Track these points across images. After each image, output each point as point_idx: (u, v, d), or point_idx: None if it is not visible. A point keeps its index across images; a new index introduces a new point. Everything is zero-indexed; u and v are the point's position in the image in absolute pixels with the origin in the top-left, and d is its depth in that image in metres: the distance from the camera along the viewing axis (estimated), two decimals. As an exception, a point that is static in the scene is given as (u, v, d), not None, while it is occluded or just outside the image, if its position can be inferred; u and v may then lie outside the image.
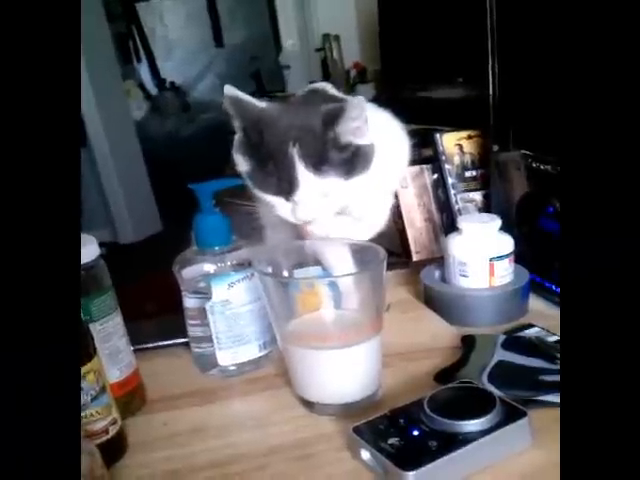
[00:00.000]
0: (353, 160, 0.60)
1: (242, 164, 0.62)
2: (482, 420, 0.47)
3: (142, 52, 4.06)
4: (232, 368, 0.63)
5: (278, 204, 0.61)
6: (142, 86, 4.05)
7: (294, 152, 0.58)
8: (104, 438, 0.49)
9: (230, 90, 0.60)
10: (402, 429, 0.48)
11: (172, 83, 4.09)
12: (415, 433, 0.47)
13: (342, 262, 0.61)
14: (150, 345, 0.69)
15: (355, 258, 0.60)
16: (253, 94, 0.64)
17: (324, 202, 0.60)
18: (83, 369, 0.46)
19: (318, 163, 0.58)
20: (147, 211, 3.26)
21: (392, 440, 0.47)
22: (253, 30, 3.95)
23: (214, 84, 3.95)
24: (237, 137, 0.62)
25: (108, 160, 3.08)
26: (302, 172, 0.58)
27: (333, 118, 0.58)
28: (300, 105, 0.63)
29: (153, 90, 4.08)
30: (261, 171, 0.60)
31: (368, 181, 0.62)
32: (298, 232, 0.67)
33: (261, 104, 0.61)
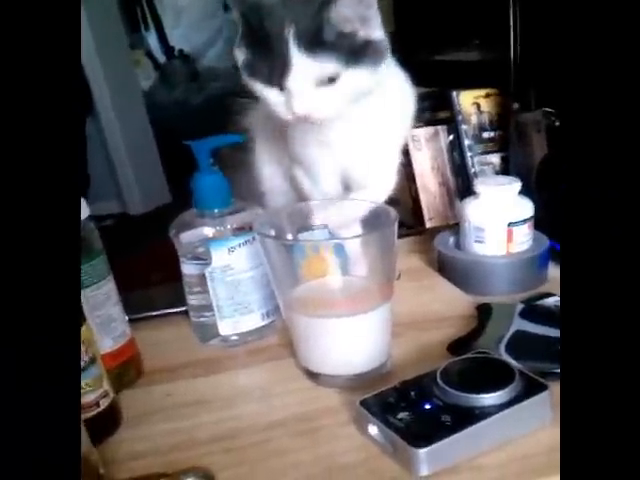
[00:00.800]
0: (359, 51, 0.56)
1: (240, 55, 0.59)
2: (500, 393, 0.44)
3: (150, 20, 3.99)
4: (234, 338, 0.61)
5: (272, 98, 0.58)
6: (150, 55, 3.99)
7: (289, 33, 0.54)
8: (95, 411, 0.47)
9: None
10: (413, 403, 0.45)
11: (181, 51, 4.03)
12: (427, 407, 0.45)
13: (350, 224, 0.58)
14: (148, 314, 0.66)
15: (364, 219, 0.56)
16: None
17: (321, 93, 0.56)
18: (70, 338, 0.43)
19: (312, 44, 0.55)
20: (156, 182, 3.24)
21: (402, 414, 0.44)
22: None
23: (224, 51, 3.87)
24: (239, 31, 0.59)
25: (116, 130, 3.05)
26: (295, 53, 0.54)
27: (330, 1, 0.54)
28: None
29: (161, 58, 4.02)
30: (256, 57, 0.57)
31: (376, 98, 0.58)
32: (300, 197, 0.63)
33: None
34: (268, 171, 0.73)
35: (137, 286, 0.69)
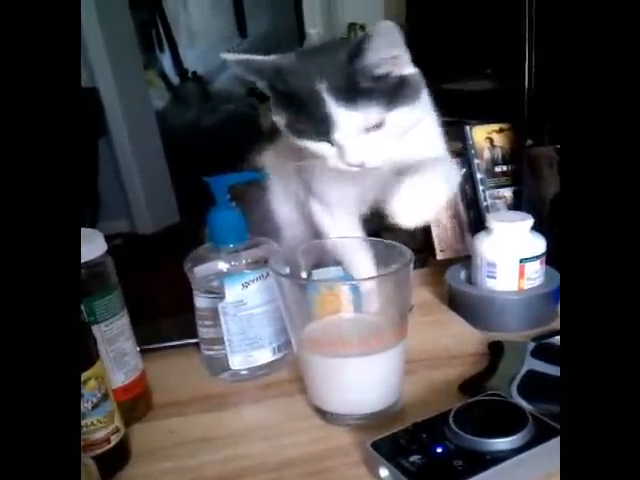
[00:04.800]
0: (397, 90, 0.56)
1: (280, 120, 0.59)
2: (513, 438, 0.44)
3: (165, 41, 4.04)
4: (244, 372, 0.60)
5: (324, 152, 0.57)
6: (164, 76, 4.03)
7: (322, 88, 0.54)
8: (105, 448, 0.46)
9: (231, 56, 0.57)
10: (424, 445, 0.45)
11: (194, 73, 4.07)
12: (439, 450, 0.44)
13: (365, 263, 0.57)
14: (158, 345, 0.66)
15: (379, 258, 0.56)
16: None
17: (371, 139, 0.56)
18: (83, 375, 0.43)
19: (350, 96, 0.54)
20: (166, 202, 3.25)
21: (413, 458, 0.44)
22: (277, 19, 3.90)
23: (236, 74, 3.90)
24: (271, 97, 0.59)
25: (128, 150, 3.07)
26: (334, 108, 0.54)
27: (358, 50, 0.53)
28: (319, 46, 0.61)
29: (175, 80, 4.06)
30: (296, 118, 0.57)
31: (418, 116, 0.58)
32: (316, 232, 0.63)
33: (272, 57, 0.59)
34: (284, 208, 0.73)
35: (148, 308, 0.68)
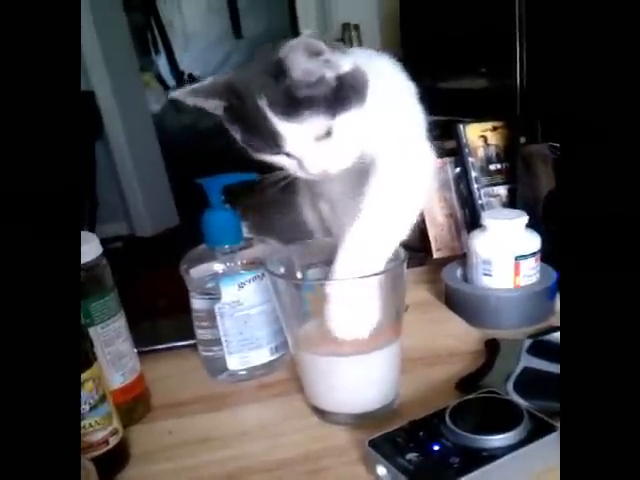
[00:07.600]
0: (338, 94, 0.55)
1: (234, 133, 0.60)
2: (508, 435, 0.44)
3: (160, 44, 4.05)
4: (242, 373, 0.60)
5: (284, 163, 0.58)
6: (160, 78, 4.04)
7: (263, 104, 0.55)
8: (104, 449, 0.46)
9: (181, 91, 0.59)
10: (421, 443, 0.45)
11: (190, 75, 4.08)
12: (435, 448, 0.44)
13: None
14: (157, 347, 0.66)
15: None
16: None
17: (325, 147, 0.56)
18: (81, 377, 0.43)
19: (290, 109, 0.54)
20: (164, 204, 3.26)
21: (410, 455, 0.44)
22: (272, 20, 3.91)
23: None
24: (223, 115, 0.60)
25: (125, 153, 3.07)
26: (277, 122, 0.55)
27: (279, 71, 0.54)
28: (258, 58, 0.59)
29: (171, 82, 4.07)
30: (249, 133, 0.58)
31: (373, 117, 0.57)
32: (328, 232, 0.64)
33: (222, 77, 0.59)
34: (314, 212, 0.73)
35: (146, 310, 0.69)
